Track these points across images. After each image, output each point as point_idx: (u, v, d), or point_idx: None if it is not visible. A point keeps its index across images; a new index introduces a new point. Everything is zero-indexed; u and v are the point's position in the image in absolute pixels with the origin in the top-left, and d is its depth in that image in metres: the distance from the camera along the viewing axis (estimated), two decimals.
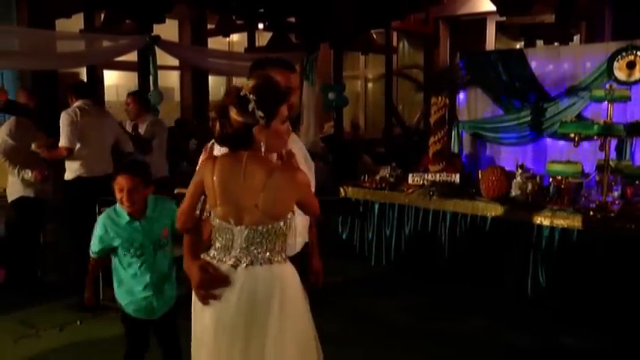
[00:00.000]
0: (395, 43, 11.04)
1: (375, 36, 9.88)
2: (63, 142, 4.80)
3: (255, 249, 2.08)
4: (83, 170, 4.85)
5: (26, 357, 3.92)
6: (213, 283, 2.08)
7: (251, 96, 2.00)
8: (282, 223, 2.09)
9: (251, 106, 1.99)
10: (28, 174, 4.89)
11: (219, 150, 2.28)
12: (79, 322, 4.44)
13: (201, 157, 2.38)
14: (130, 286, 2.92)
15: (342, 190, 5.87)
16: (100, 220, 2.94)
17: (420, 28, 10.55)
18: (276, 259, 2.10)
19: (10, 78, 7.04)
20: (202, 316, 2.15)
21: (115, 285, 2.99)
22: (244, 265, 2.07)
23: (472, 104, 6.21)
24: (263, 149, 2.06)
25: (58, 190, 5.32)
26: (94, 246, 2.93)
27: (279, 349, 2.07)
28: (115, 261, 2.96)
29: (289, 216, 2.12)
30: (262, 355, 2.07)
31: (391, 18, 9.01)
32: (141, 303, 2.93)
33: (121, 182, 2.83)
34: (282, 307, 2.08)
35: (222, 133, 2.04)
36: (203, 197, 2.18)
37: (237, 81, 7.98)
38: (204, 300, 2.10)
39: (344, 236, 5.87)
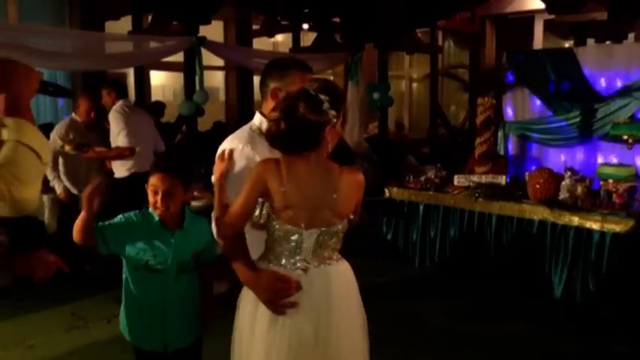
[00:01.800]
0: (440, 42, 10.92)
1: (420, 35, 9.80)
2: (123, 142, 4.93)
3: (322, 250, 2.08)
4: (137, 167, 4.99)
5: (76, 347, 4.07)
6: (288, 290, 2.01)
7: (322, 96, 2.00)
8: (345, 222, 2.11)
9: (325, 106, 1.99)
10: (56, 188, 5.12)
11: (251, 153, 2.25)
12: None
13: (222, 163, 2.24)
14: (140, 308, 2.47)
15: (386, 190, 5.83)
16: (131, 213, 2.51)
17: (465, 27, 10.42)
18: (337, 257, 2.13)
19: (62, 78, 7.27)
20: (271, 332, 2.04)
21: (122, 306, 2.54)
22: (313, 267, 2.06)
23: (519, 105, 6.08)
24: (330, 149, 2.07)
25: (107, 187, 5.46)
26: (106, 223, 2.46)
27: (347, 343, 2.10)
28: (125, 277, 2.51)
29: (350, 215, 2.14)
30: (335, 349, 2.07)
31: (437, 17, 8.92)
32: (152, 331, 2.46)
33: (155, 183, 2.41)
34: (349, 303, 2.13)
35: (290, 134, 1.98)
36: (262, 202, 2.08)
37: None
38: (280, 310, 2.01)
39: (388, 237, 5.83)
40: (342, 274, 2.13)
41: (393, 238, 5.81)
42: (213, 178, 2.26)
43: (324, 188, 2.03)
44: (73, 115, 5.28)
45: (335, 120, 2.01)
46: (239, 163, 2.26)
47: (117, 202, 5.21)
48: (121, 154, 5.01)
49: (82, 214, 2.38)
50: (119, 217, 2.50)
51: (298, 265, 2.05)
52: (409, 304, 4.75)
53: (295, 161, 2.03)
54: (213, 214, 2.18)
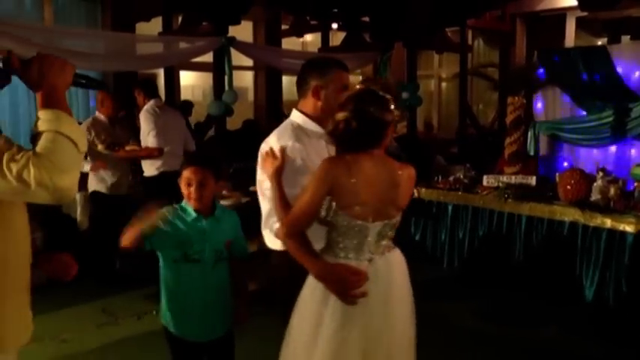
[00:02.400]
0: (470, 41, 10.81)
1: (449, 34, 9.72)
2: (152, 142, 5.01)
3: (382, 241, 2.20)
4: (167, 166, 5.06)
5: (107, 343, 4.15)
6: (360, 282, 2.08)
7: (388, 95, 2.10)
8: (400, 214, 2.24)
9: (392, 105, 2.10)
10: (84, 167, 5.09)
11: (302, 149, 2.33)
12: (155, 312, 4.61)
13: (275, 161, 2.32)
14: (182, 299, 2.59)
15: (415, 190, 5.80)
16: (164, 209, 2.61)
17: (496, 25, 10.28)
18: (392, 246, 2.26)
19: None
20: (348, 326, 2.09)
21: (164, 300, 2.66)
22: (377, 256, 2.17)
23: (550, 104, 5.99)
24: (388, 145, 2.19)
25: (138, 186, 5.56)
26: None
27: (408, 329, 2.23)
28: (164, 272, 2.64)
29: None
30: (400, 333, 2.19)
31: (467, 16, 8.82)
32: (194, 321, 2.60)
33: (189, 176, 2.56)
34: (407, 288, 2.27)
35: (361, 133, 2.08)
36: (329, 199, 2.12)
37: None
38: (352, 300, 2.06)
39: (417, 237, 5.80)
40: (398, 261, 2.28)
41: (421, 238, 5.78)
42: (262, 175, 2.36)
43: (389, 183, 2.15)
44: (97, 114, 5.34)
45: (397, 118, 2.14)
46: (292, 160, 2.34)
47: (146, 199, 5.32)
48: (150, 154, 5.10)
49: (136, 232, 2.48)
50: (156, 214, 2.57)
51: (365, 256, 2.15)
52: (436, 305, 4.73)
53: (361, 158, 2.12)
54: (276, 214, 2.26)
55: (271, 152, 2.36)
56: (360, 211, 2.10)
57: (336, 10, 8.44)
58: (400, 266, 2.28)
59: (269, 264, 2.58)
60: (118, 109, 5.41)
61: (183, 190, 2.61)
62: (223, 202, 4.89)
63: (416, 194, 5.77)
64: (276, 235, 2.29)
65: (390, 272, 2.21)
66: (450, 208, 5.54)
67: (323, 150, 2.48)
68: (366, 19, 8.53)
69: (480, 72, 11.11)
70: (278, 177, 2.29)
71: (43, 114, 1.50)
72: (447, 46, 9.72)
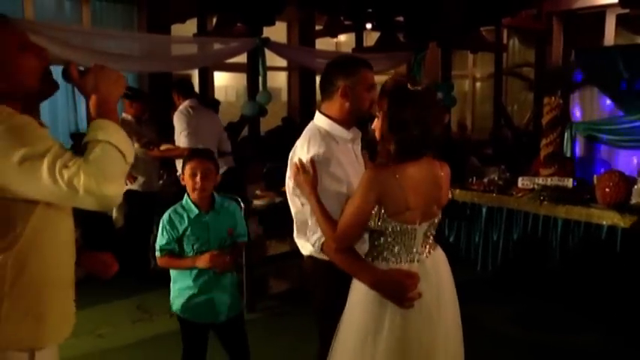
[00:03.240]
0: (505, 40, 10.67)
1: (484, 34, 9.60)
2: (183, 142, 5.07)
3: (427, 240, 2.23)
4: None
5: (142, 338, 4.25)
6: (414, 285, 2.10)
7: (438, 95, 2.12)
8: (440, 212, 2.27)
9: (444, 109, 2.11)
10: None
11: (332, 159, 2.27)
12: None
13: (308, 175, 2.27)
14: (190, 285, 2.85)
15: (449, 192, 5.73)
16: (166, 216, 2.89)
17: (531, 24, 10.11)
18: (435, 244, 2.28)
19: (130, 80, 7.54)
20: (409, 329, 2.11)
21: (174, 287, 2.93)
22: (424, 256, 2.19)
23: (587, 104, 5.87)
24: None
25: (172, 185, 5.65)
26: (160, 240, 2.86)
27: (457, 323, 2.29)
28: None
29: None
30: (453, 329, 2.26)
31: (502, 14, 8.70)
32: (202, 304, 2.85)
33: (194, 166, 2.84)
34: (452, 281, 2.30)
35: (421, 140, 2.09)
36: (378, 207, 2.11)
37: None
38: (410, 304, 2.09)
39: (450, 239, 5.75)
40: (442, 259, 2.30)
41: (455, 240, 5.72)
42: (292, 181, 2.32)
43: (433, 184, 2.18)
44: (124, 114, 5.43)
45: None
46: (326, 170, 2.27)
47: (178, 198, 5.40)
48: (182, 153, 5.15)
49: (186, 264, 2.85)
50: (166, 221, 2.88)
51: (414, 258, 2.17)
52: (469, 308, 4.61)
53: (406, 164, 2.10)
54: (322, 230, 2.20)
55: (301, 164, 2.31)
56: (409, 215, 2.11)
57: (370, 10, 8.41)
58: (445, 264, 2.30)
59: (302, 267, 2.59)
60: (145, 110, 5.52)
61: (189, 181, 2.85)
62: (257, 202, 4.93)
63: (450, 195, 5.70)
64: (324, 252, 2.26)
65: (438, 270, 2.24)
66: (484, 210, 5.47)
67: (351, 155, 2.45)
68: (400, 18, 8.49)
69: (515, 72, 10.96)
70: (315, 192, 2.24)
71: (95, 124, 1.56)
72: (481, 45, 9.62)
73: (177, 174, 5.31)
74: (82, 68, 1.67)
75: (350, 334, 2.17)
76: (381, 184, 2.07)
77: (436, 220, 2.24)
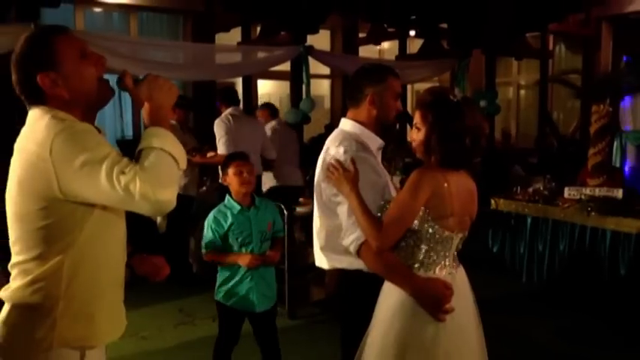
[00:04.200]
0: (551, 46, 10.46)
1: (529, 40, 9.44)
2: (221, 150, 5.14)
3: (456, 252, 2.22)
4: None
5: (184, 342, 4.31)
6: (451, 296, 2.08)
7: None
8: None
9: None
10: None
11: (369, 161, 2.30)
12: None
13: (348, 173, 2.24)
14: (235, 276, 3.14)
15: (493, 201, 5.65)
16: (211, 215, 3.20)
17: (579, 29, 9.88)
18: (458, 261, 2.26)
19: None
20: (459, 338, 2.12)
21: (220, 278, 3.22)
22: (454, 269, 2.19)
23: (638, 112, 5.69)
24: None
25: (216, 191, 5.73)
26: (205, 238, 3.18)
27: (483, 347, 2.24)
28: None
29: None
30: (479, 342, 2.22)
31: (549, 20, 8.53)
32: (244, 294, 3.13)
33: (238, 164, 3.19)
34: (473, 298, 2.26)
35: (472, 150, 2.12)
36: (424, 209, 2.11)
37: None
38: (444, 317, 2.07)
39: (494, 250, 5.64)
40: (466, 277, 2.27)
41: (499, 251, 5.61)
42: (336, 187, 2.27)
43: (470, 197, 2.20)
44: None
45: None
46: (366, 172, 2.26)
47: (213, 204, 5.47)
48: (219, 161, 5.22)
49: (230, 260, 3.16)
50: (212, 220, 3.19)
51: (448, 269, 2.16)
52: (514, 321, 4.58)
53: (453, 171, 2.14)
54: (364, 230, 2.15)
55: (339, 163, 2.27)
56: (452, 222, 2.11)
57: (413, 17, 8.38)
58: (468, 285, 2.26)
59: (327, 282, 2.55)
60: (188, 117, 5.64)
61: (233, 179, 3.17)
62: (299, 209, 4.97)
63: (494, 205, 5.62)
64: (361, 254, 2.21)
65: (465, 283, 2.22)
66: (529, 220, 5.36)
67: (379, 161, 2.43)
68: (444, 25, 8.43)
69: (562, 79, 10.73)
70: (356, 189, 2.20)
71: (149, 131, 1.63)
72: (526, 51, 9.45)
73: (220, 181, 5.40)
74: (140, 77, 1.72)
75: (380, 346, 2.13)
76: (432, 184, 2.08)
77: (466, 234, 2.21)
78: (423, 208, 2.08)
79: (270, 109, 6.37)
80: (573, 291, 4.96)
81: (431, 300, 2.06)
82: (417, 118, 2.18)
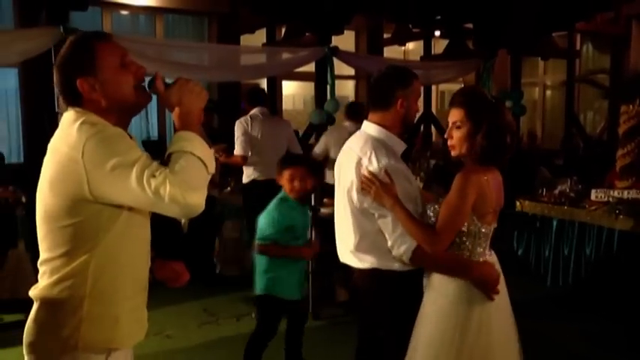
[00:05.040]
0: (578, 46, 10.32)
1: (556, 39, 9.31)
2: (237, 150, 5.17)
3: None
4: (257, 174, 5.19)
5: (207, 341, 4.34)
6: (498, 276, 2.31)
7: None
8: None
9: None
10: None
11: (403, 169, 2.35)
12: (254, 315, 4.75)
13: (385, 186, 2.26)
14: (287, 266, 3.32)
15: (518, 203, 5.58)
16: (275, 205, 3.33)
17: (607, 28, 9.73)
18: None
19: None
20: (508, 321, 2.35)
21: (260, 270, 3.34)
22: (489, 255, 2.36)
23: None
24: None
25: (238, 191, 5.77)
26: (266, 230, 3.29)
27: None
28: None
29: None
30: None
31: (576, 19, 8.40)
32: (286, 281, 3.32)
33: (291, 172, 3.29)
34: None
35: (512, 148, 2.25)
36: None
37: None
38: (494, 295, 2.26)
39: (519, 252, 5.57)
40: (495, 256, 2.42)
41: (524, 253, 5.55)
42: (376, 201, 2.27)
43: (501, 188, 2.32)
44: None
45: None
46: (402, 181, 2.29)
47: (243, 205, 5.50)
48: (235, 161, 5.24)
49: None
50: (276, 211, 3.32)
51: (486, 256, 2.32)
52: (538, 324, 4.52)
53: (490, 167, 2.27)
54: (417, 237, 2.23)
55: (373, 176, 2.27)
56: (490, 217, 2.27)
57: (438, 17, 8.33)
58: (499, 263, 2.43)
59: (356, 283, 2.57)
60: (213, 119, 5.64)
61: (286, 184, 3.31)
62: (324, 210, 4.98)
63: (519, 207, 5.56)
64: (415, 260, 2.27)
65: (499, 267, 2.37)
66: (554, 222, 5.28)
67: (398, 163, 2.40)
68: (470, 25, 8.36)
69: (589, 79, 10.57)
70: (399, 201, 2.24)
71: (179, 135, 1.65)
72: (553, 51, 9.35)
73: (245, 181, 5.41)
74: (168, 81, 1.74)
75: (433, 342, 2.25)
76: (478, 186, 2.20)
77: (495, 225, 2.34)
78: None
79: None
80: (599, 296, 4.87)
81: (490, 282, 2.24)
82: (457, 117, 2.24)
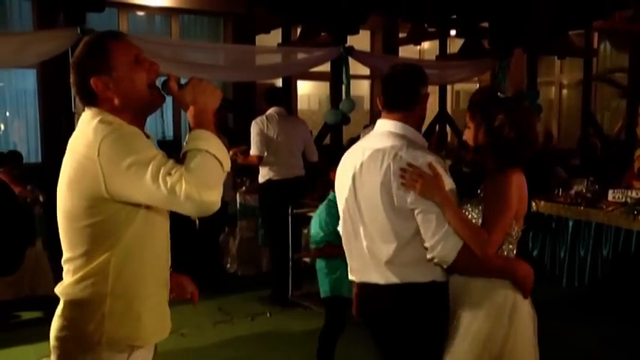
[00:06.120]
0: (595, 44, 10.21)
1: (572, 38, 9.23)
2: (253, 150, 5.18)
3: None
4: (273, 174, 5.20)
5: (222, 340, 4.38)
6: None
7: None
8: None
9: None
10: None
11: (443, 166, 2.20)
12: (268, 314, 4.79)
13: (436, 180, 2.09)
14: (341, 267, 3.20)
15: (533, 203, 5.54)
16: (323, 207, 3.35)
17: (626, 26, 9.58)
18: None
19: None
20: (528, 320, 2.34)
21: (323, 273, 3.36)
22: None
23: None
24: None
25: (254, 191, 5.80)
26: (319, 233, 3.30)
27: None
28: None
29: None
30: None
31: (593, 17, 8.30)
32: (347, 280, 3.31)
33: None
34: None
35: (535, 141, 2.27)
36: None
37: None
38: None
39: (534, 253, 5.53)
40: None
41: (539, 254, 5.50)
42: (424, 196, 2.07)
43: (525, 192, 2.27)
44: None
45: None
46: (448, 176, 2.17)
47: (260, 205, 5.52)
48: (250, 161, 5.26)
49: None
50: (325, 212, 3.34)
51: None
52: (553, 326, 4.45)
53: (520, 169, 2.24)
54: (467, 237, 2.07)
55: (416, 168, 2.09)
56: (521, 219, 2.27)
57: (454, 17, 8.30)
58: None
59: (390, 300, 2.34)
60: (227, 118, 5.66)
61: None
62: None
63: (534, 207, 5.52)
64: (460, 261, 2.09)
65: None
66: (570, 223, 5.24)
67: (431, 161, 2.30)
68: (485, 24, 8.32)
69: (607, 78, 10.46)
70: (449, 196, 2.10)
71: (194, 134, 1.67)
72: (569, 50, 9.26)
73: (261, 181, 5.42)
74: (182, 81, 1.76)
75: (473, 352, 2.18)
76: (517, 188, 2.19)
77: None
78: None
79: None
80: (616, 298, 4.83)
81: (529, 282, 2.23)
82: (467, 117, 2.25)
